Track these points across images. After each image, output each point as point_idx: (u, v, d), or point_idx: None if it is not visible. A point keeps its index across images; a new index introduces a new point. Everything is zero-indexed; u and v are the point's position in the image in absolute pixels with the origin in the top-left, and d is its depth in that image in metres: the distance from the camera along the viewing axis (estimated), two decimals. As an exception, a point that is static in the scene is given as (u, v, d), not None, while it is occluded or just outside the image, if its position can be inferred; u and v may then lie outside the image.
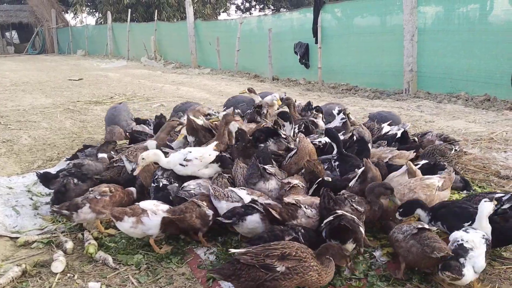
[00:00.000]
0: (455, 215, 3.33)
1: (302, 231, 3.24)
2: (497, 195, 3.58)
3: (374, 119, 6.45)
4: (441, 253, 2.85)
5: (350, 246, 3.15)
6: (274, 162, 4.50)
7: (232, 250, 2.87)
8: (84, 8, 35.97)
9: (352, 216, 3.24)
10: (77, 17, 38.42)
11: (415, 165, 4.51)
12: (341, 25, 13.73)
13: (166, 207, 3.68)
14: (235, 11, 42.95)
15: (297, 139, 4.69)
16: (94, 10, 39.51)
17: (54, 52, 38.59)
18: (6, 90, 14.47)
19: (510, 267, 3.26)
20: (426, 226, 3.19)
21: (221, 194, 3.75)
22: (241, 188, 3.88)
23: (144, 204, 3.66)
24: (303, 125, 5.93)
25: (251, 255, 2.75)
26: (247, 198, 3.69)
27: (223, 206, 3.69)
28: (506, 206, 3.47)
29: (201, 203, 3.72)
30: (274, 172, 4.16)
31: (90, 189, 4.14)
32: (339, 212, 3.25)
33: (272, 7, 41.33)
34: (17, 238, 3.96)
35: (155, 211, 3.58)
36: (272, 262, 2.71)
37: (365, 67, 12.79)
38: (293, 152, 4.63)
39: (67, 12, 39.41)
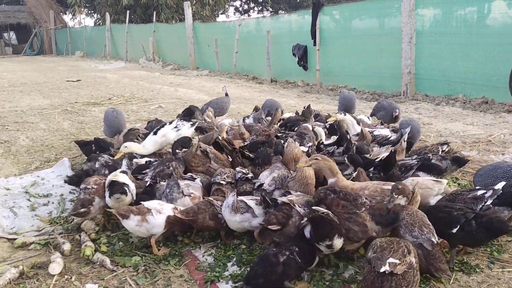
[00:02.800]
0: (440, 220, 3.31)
1: (297, 249, 3.10)
2: (479, 192, 3.59)
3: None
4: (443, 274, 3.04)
5: (339, 241, 3.10)
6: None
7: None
8: (82, 9, 35.94)
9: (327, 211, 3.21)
10: (76, 18, 38.43)
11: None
12: (340, 27, 13.75)
13: (171, 206, 3.73)
14: (234, 13, 43.10)
15: (286, 143, 4.73)
16: (92, 11, 39.46)
17: (52, 53, 38.52)
18: (4, 91, 14.45)
19: (509, 270, 3.26)
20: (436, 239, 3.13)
21: (240, 208, 3.62)
22: (250, 199, 3.74)
23: (148, 203, 3.70)
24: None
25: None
26: (256, 209, 3.64)
27: (237, 220, 3.60)
28: (489, 202, 3.51)
29: (216, 202, 3.74)
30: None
31: (82, 185, 4.29)
32: (314, 208, 3.26)
33: (270, 9, 41.38)
34: (15, 239, 3.96)
35: (159, 210, 3.63)
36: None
37: (364, 69, 12.81)
38: (281, 158, 4.73)
39: (66, 13, 39.38)
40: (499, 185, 3.61)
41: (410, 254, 2.73)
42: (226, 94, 8.15)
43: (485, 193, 3.55)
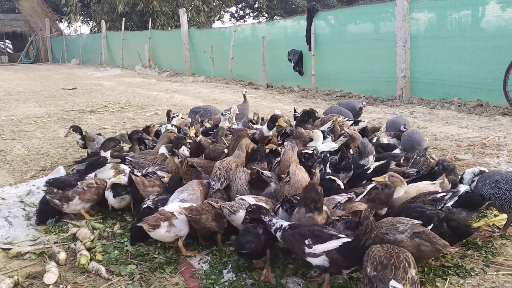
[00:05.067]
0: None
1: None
2: (439, 195, 3.65)
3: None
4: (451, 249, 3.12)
5: None
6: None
7: None
8: (78, 17, 35.97)
9: None
10: (71, 26, 38.50)
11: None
12: (335, 32, 13.81)
13: (188, 205, 3.78)
14: (229, 19, 43.19)
15: (282, 150, 4.71)
16: (88, 19, 39.57)
17: (48, 61, 38.55)
18: (0, 99, 14.43)
19: (504, 273, 3.27)
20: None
21: (237, 207, 3.69)
22: (250, 196, 3.87)
23: (169, 207, 3.73)
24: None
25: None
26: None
27: (241, 216, 3.61)
28: (449, 203, 3.59)
29: (216, 204, 3.77)
30: (271, 175, 4.28)
31: (78, 182, 4.50)
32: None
33: (266, 15, 41.53)
34: (9, 249, 3.93)
35: (181, 212, 3.68)
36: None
37: (359, 73, 12.86)
38: (275, 161, 4.73)
39: (61, 21, 39.44)
40: (461, 188, 3.79)
41: (410, 267, 2.63)
42: (245, 97, 8.28)
43: (445, 195, 3.65)
